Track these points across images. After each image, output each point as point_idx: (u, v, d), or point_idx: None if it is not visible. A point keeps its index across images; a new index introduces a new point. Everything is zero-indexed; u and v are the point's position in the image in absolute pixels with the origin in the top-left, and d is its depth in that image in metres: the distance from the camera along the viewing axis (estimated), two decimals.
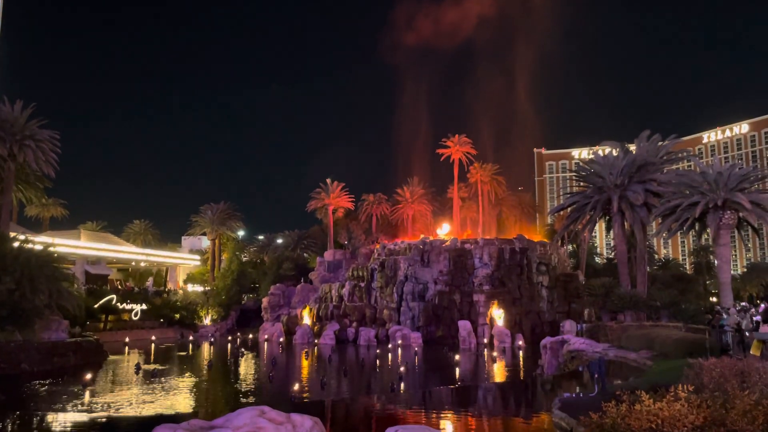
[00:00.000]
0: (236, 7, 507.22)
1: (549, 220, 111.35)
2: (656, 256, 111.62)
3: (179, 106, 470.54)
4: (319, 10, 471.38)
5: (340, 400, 29.23)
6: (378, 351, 54.17)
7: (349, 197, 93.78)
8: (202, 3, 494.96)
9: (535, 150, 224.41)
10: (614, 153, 55.11)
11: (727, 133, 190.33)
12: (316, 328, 68.11)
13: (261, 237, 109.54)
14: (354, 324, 67.53)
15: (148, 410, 25.91)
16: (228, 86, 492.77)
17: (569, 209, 57.33)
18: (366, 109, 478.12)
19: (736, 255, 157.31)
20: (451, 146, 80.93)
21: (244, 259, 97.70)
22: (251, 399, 29.25)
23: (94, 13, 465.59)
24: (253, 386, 34.52)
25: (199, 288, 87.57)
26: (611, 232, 54.99)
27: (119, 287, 76.36)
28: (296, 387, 30.24)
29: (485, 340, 60.36)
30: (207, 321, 79.46)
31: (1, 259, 40.60)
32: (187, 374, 39.36)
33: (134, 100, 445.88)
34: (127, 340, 60.15)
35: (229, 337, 71.46)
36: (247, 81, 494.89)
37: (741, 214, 40.15)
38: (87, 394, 29.17)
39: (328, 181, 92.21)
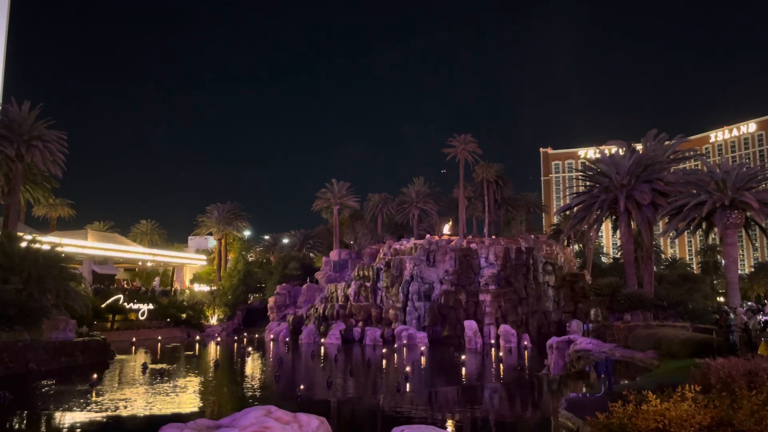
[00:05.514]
0: (238, 7, 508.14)
1: (555, 220, 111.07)
2: (663, 256, 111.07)
3: (185, 107, 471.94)
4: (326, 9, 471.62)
5: (346, 399, 29.27)
6: (384, 351, 54.16)
7: (355, 197, 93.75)
8: (204, 3, 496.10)
9: (541, 149, 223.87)
10: (621, 152, 54.80)
11: (735, 132, 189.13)
12: (322, 327, 68.16)
13: (267, 237, 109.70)
14: (360, 324, 67.58)
15: (154, 409, 26.02)
16: (232, 87, 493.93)
17: (575, 209, 57.06)
18: (371, 108, 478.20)
19: (743, 255, 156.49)
20: (457, 145, 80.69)
21: (250, 258, 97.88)
22: (258, 398, 29.33)
23: (103, 13, 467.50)
24: (259, 386, 34.59)
25: (205, 288, 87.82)
26: (618, 231, 54.63)
27: (126, 287, 76.60)
28: (302, 386, 30.27)
29: (491, 340, 60.29)
30: (213, 321, 79.70)
31: (9, 259, 40.85)
32: (193, 374, 39.51)
33: (140, 100, 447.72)
34: (133, 339, 60.38)
35: (236, 337, 71.67)
36: (250, 81, 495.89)
37: (748, 214, 39.87)
38: (94, 393, 29.30)
39: (334, 180, 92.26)
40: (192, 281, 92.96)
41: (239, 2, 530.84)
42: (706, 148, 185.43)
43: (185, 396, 30.18)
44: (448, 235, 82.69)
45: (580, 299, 63.10)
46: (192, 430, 14.18)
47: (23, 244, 43.47)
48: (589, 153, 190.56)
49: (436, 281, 68.04)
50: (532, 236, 75.92)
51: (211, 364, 44.08)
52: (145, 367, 39.12)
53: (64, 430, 22.39)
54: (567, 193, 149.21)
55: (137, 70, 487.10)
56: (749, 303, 40.67)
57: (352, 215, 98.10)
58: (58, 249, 47.37)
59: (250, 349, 55.87)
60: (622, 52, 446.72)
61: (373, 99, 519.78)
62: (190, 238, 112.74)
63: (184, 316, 73.84)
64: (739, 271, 56.42)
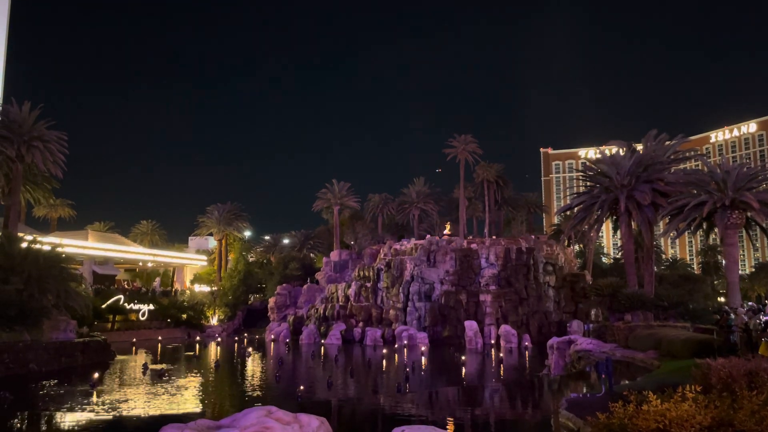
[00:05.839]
0: (238, 6, 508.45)
1: (556, 220, 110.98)
2: (664, 256, 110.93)
3: (185, 108, 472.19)
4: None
5: (346, 400, 29.26)
6: (384, 351, 54.14)
7: (355, 197, 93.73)
8: (204, 3, 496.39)
9: (541, 150, 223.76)
10: (621, 152, 54.73)
11: (735, 132, 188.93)
12: (322, 328, 68.15)
13: (267, 237, 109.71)
14: (360, 324, 67.55)
15: (155, 410, 26.01)
16: (232, 87, 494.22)
17: (576, 209, 56.98)
18: (371, 108, 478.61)
19: (744, 255, 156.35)
20: (457, 146, 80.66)
21: (251, 259, 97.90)
22: (258, 399, 29.31)
23: (103, 12, 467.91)
24: (260, 386, 34.59)
25: (206, 288, 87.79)
26: (618, 231, 54.57)
27: (127, 287, 76.60)
28: (303, 387, 30.26)
29: (492, 341, 60.26)
30: (214, 321, 79.68)
31: (9, 259, 40.84)
32: (194, 374, 39.48)
33: (141, 101, 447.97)
34: (134, 340, 60.37)
35: (236, 337, 71.62)
36: (251, 81, 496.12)
37: (749, 214, 39.84)
38: (94, 393, 29.31)
39: (334, 181, 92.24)
40: (192, 282, 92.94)
41: (239, 2, 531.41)
42: (706, 149, 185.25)
43: (186, 396, 30.17)
44: (448, 235, 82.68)
45: (581, 299, 63.06)
46: (192, 430, 14.18)
47: (24, 245, 43.46)
48: (590, 153, 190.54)
49: (437, 281, 68.00)
50: (533, 236, 75.85)
51: (212, 364, 44.07)
52: (145, 367, 39.11)
53: (65, 430, 22.39)
54: (567, 194, 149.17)
55: (137, 70, 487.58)
56: (750, 303, 40.71)
57: (352, 215, 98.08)
58: (59, 249, 47.34)
59: (250, 349, 55.85)
60: (622, 52, 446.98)
61: (374, 99, 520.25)
62: (190, 238, 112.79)
63: (184, 316, 73.82)
64: (740, 272, 56.38)
